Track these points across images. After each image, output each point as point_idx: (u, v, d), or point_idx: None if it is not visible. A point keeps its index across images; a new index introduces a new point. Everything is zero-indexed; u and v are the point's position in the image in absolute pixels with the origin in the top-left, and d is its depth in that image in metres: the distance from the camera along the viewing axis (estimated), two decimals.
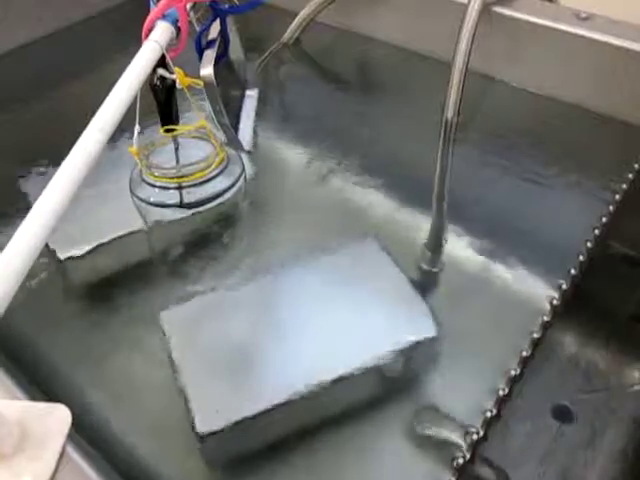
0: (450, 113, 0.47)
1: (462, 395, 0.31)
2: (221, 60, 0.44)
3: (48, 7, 0.61)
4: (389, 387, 0.32)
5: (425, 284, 0.37)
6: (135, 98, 0.31)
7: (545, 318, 0.34)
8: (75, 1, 0.63)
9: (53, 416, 0.20)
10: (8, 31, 0.59)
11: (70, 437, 0.23)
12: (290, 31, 0.59)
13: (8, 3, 0.58)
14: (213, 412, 0.29)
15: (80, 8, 0.64)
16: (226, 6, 0.43)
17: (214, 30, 0.44)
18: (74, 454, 0.22)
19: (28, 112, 0.54)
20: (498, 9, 0.50)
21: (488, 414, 0.29)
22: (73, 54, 0.61)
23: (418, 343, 0.32)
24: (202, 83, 0.37)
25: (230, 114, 0.45)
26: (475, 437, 0.28)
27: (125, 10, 0.66)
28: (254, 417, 0.29)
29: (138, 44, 0.33)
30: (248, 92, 0.52)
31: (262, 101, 0.52)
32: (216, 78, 0.41)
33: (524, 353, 0.32)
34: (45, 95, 0.56)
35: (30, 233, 0.21)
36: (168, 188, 0.36)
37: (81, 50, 0.61)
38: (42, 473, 0.19)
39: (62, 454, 0.20)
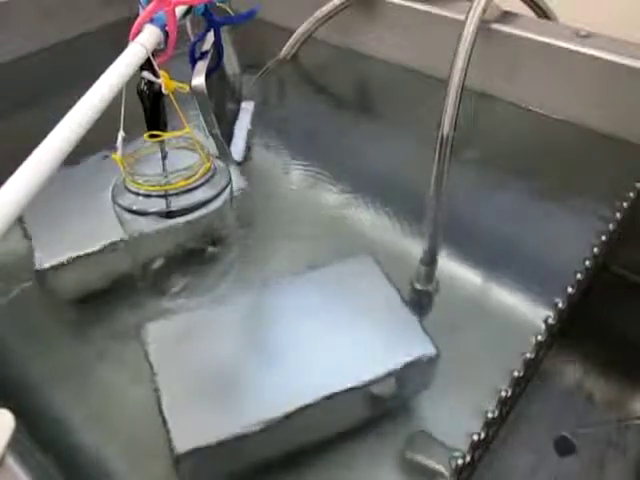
0: (446, 129, 0.46)
1: (452, 417, 0.30)
2: (214, 71, 0.44)
3: (46, 20, 0.62)
4: (379, 408, 0.30)
5: (420, 303, 0.36)
6: (118, 101, 0.30)
7: (540, 337, 0.32)
8: (73, 15, 0.64)
9: None
10: (5, 43, 0.59)
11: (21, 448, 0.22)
12: (288, 47, 0.59)
13: (6, 15, 0.58)
14: (192, 432, 0.27)
15: (78, 22, 0.64)
16: (220, 17, 0.43)
17: (208, 42, 0.44)
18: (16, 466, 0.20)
19: (21, 123, 0.54)
20: (496, 26, 0.50)
21: (475, 437, 0.27)
22: (69, 68, 0.61)
23: (413, 363, 0.30)
24: (187, 87, 0.36)
25: (223, 125, 0.45)
26: (461, 462, 0.26)
27: (125, 26, 0.66)
28: (235, 438, 0.27)
29: None
30: (244, 105, 0.52)
31: (258, 115, 0.52)
32: (208, 88, 0.40)
33: (516, 373, 0.30)
34: (37, 107, 0.55)
35: None
36: (151, 196, 0.35)
37: (77, 64, 0.62)
38: None
39: (1, 462, 0.18)
